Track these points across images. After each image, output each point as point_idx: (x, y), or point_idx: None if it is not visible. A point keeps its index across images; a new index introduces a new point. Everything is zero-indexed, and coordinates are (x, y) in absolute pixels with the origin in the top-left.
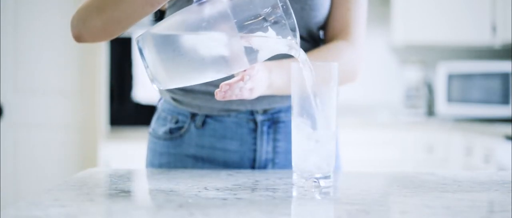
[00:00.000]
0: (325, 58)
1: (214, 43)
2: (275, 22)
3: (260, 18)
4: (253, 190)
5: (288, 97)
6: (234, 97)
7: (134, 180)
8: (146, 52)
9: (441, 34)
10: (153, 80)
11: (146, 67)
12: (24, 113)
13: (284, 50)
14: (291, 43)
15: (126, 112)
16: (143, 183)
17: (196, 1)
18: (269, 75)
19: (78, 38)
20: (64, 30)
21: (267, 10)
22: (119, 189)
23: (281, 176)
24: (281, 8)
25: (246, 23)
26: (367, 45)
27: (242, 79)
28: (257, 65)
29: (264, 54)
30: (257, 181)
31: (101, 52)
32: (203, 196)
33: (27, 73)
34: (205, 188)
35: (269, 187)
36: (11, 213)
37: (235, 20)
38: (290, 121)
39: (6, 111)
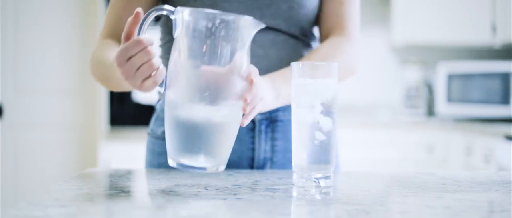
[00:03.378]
0: (325, 58)
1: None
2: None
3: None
4: (253, 190)
5: None
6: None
7: (134, 180)
8: None
9: (441, 34)
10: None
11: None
12: (24, 113)
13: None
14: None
15: (126, 112)
16: (143, 183)
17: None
18: (273, 86)
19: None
20: (64, 30)
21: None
22: (119, 189)
23: (281, 176)
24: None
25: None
26: (367, 45)
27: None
28: (257, 81)
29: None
30: (257, 181)
31: None
32: (203, 196)
33: (27, 73)
34: (205, 188)
35: (269, 187)
36: (11, 213)
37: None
38: (288, 120)
39: (6, 111)
